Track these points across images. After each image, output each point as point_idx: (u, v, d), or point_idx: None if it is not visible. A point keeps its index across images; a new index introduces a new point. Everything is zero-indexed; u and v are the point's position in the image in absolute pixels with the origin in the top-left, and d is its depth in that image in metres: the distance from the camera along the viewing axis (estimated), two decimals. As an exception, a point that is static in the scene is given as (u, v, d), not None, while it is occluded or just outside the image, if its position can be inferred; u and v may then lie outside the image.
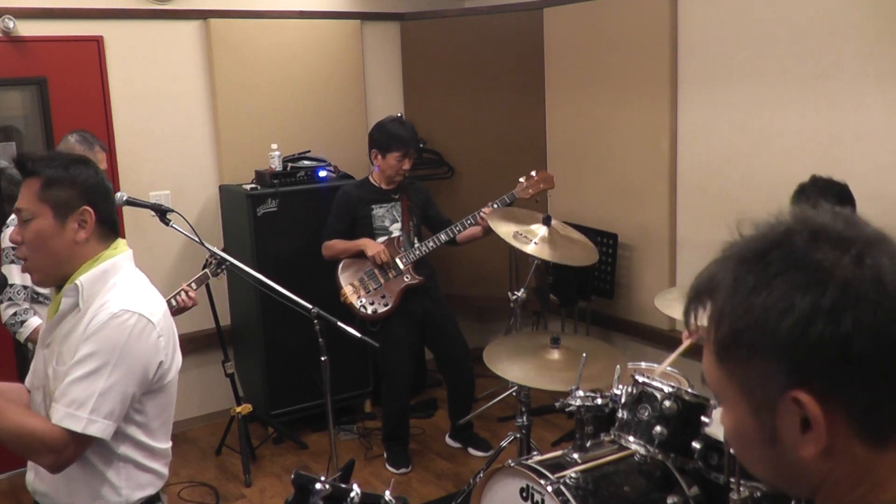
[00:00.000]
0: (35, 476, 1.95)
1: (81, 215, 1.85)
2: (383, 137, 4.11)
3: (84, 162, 1.91)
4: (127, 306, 1.81)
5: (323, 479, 1.49)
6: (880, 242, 0.80)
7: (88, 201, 1.86)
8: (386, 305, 4.09)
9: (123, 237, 2.01)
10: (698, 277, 0.87)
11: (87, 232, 1.86)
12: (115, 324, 1.79)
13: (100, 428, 1.76)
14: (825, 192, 2.79)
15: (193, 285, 3.32)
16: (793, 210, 0.84)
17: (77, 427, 1.75)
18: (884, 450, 0.80)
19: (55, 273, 1.89)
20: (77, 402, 1.75)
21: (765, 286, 0.78)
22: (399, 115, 5.01)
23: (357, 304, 4.07)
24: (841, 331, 0.75)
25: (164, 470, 2.01)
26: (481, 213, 4.01)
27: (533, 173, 4.11)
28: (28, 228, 1.84)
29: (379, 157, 4.12)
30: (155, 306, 1.89)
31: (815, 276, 0.77)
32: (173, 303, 3.25)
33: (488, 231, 3.92)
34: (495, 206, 4.02)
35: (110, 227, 1.93)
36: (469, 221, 4.07)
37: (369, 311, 4.07)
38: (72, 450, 1.77)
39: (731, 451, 2.16)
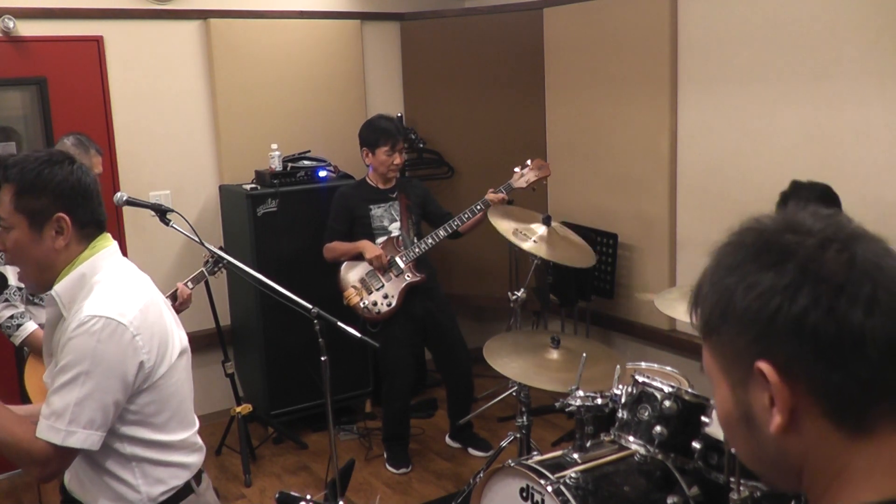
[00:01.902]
0: (69, 478, 1.93)
1: (57, 223, 1.78)
2: (370, 134, 4.11)
3: (59, 162, 1.80)
4: (94, 311, 1.73)
5: (308, 497, 1.48)
6: (857, 236, 0.83)
7: (64, 207, 1.78)
8: (389, 305, 4.08)
9: (118, 234, 1.95)
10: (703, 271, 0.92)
11: (65, 238, 1.79)
12: (82, 331, 1.71)
13: (80, 439, 1.71)
14: (808, 195, 2.80)
15: (190, 284, 3.32)
16: (779, 211, 0.89)
17: (56, 439, 1.70)
18: (859, 437, 0.81)
19: (41, 280, 1.85)
20: (55, 413, 1.71)
21: (737, 267, 0.84)
22: (399, 115, 5.01)
23: (361, 305, 4.07)
24: (797, 305, 0.79)
25: (189, 459, 1.94)
26: (488, 199, 3.99)
27: (528, 162, 4.09)
28: (8, 237, 1.80)
29: (369, 154, 4.12)
30: (127, 306, 1.77)
31: (779, 257, 0.81)
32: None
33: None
34: (500, 191, 4.03)
35: (94, 227, 1.85)
36: (466, 216, 4.07)
37: (374, 312, 4.07)
38: (55, 462, 1.73)
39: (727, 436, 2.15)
